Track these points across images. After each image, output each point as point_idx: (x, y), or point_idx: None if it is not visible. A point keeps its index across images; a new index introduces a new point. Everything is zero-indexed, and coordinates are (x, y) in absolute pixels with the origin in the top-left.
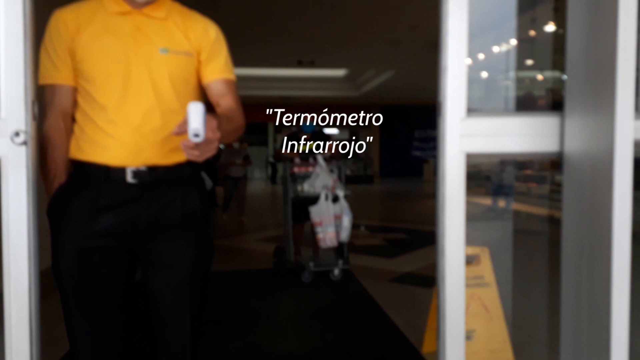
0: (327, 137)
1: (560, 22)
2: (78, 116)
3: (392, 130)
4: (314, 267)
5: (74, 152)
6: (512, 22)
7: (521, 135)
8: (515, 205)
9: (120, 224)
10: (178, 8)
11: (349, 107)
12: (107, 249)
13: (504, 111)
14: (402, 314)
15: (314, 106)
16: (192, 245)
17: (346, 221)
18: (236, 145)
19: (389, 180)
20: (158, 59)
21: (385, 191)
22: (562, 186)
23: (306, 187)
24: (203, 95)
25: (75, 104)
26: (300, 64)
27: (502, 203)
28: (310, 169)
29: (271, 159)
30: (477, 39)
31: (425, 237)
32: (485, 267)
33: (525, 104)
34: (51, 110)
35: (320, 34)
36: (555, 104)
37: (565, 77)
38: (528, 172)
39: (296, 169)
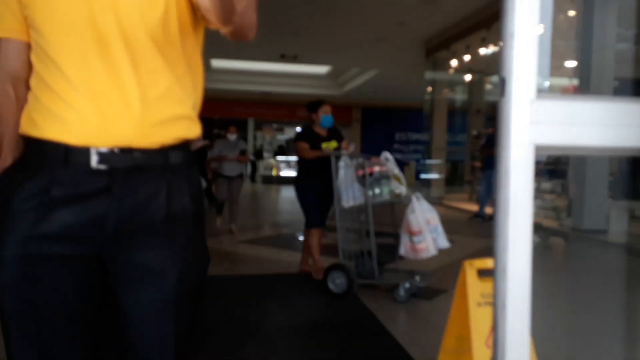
0: (341, 134)
1: None
2: (33, 81)
3: (373, 131)
4: (420, 281)
5: (25, 127)
6: None
7: (613, 126)
8: None
9: (81, 224)
10: None
11: (331, 106)
12: (63, 258)
13: (586, 94)
14: (405, 330)
15: (296, 104)
16: (179, 256)
17: (439, 224)
18: (232, 136)
19: None
20: None
21: None
22: None
23: (398, 190)
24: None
25: (29, 65)
26: (283, 58)
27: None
28: (383, 168)
29: (252, 157)
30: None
31: None
32: None
33: None
34: None
35: (306, 27)
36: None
37: None
38: None
39: (377, 169)
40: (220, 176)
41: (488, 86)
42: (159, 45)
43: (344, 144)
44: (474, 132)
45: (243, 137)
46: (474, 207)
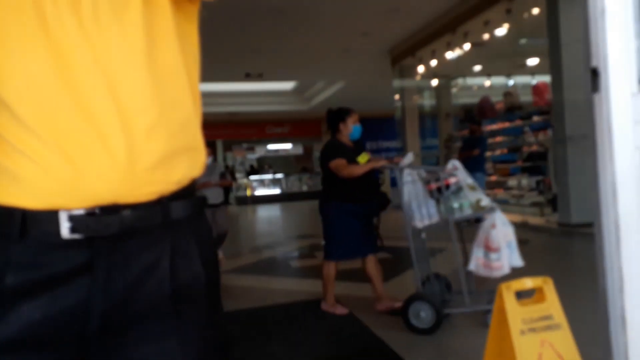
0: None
1: None
2: None
3: None
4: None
5: None
6: None
7: None
8: None
9: (51, 321)
10: None
11: (299, 122)
12: None
13: None
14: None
15: (264, 121)
16: (193, 348)
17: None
18: (208, 159)
19: None
20: None
21: None
22: None
23: (484, 202)
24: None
25: None
26: (248, 77)
27: None
28: (456, 179)
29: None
30: None
31: (408, 254)
32: (552, 304)
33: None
34: None
35: (269, 44)
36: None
37: None
38: None
39: (453, 180)
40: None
41: (454, 90)
42: (145, 59)
43: (396, 157)
44: (445, 136)
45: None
46: None
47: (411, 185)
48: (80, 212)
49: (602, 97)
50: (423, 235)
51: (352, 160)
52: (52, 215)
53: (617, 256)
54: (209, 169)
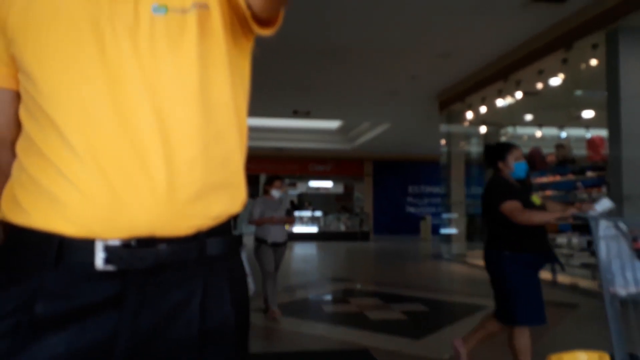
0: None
1: None
2: (20, 145)
3: (386, 184)
4: None
5: (6, 209)
6: None
7: None
8: None
9: (79, 353)
10: None
11: (342, 160)
12: None
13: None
14: None
15: (307, 158)
16: None
17: None
18: (276, 193)
19: (384, 238)
20: (152, 23)
21: (385, 250)
22: None
23: None
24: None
25: (16, 122)
26: (296, 114)
27: None
28: None
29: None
30: None
31: (447, 309)
32: None
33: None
34: None
35: (318, 83)
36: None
37: None
38: None
39: None
40: (264, 244)
41: (503, 138)
42: (193, 89)
43: (585, 203)
44: None
45: (254, 193)
46: None
47: (611, 241)
48: (116, 242)
49: None
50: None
51: (526, 202)
52: (88, 245)
53: None
54: (277, 204)
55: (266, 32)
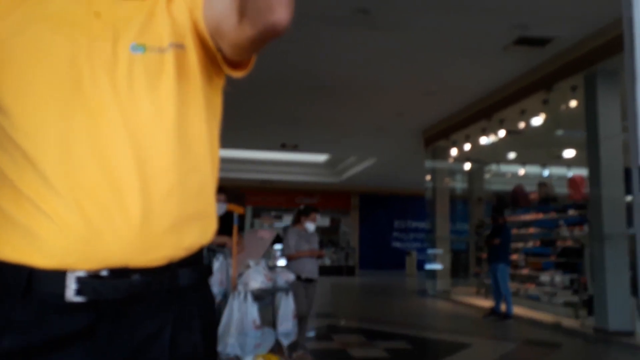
0: None
1: None
2: None
3: (372, 218)
4: None
5: None
6: None
7: None
8: None
9: None
10: None
11: (329, 194)
12: None
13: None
14: None
15: (294, 191)
16: None
17: None
18: (311, 226)
19: (370, 272)
20: (130, 62)
21: (370, 285)
22: None
23: None
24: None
25: None
26: (283, 147)
27: None
28: None
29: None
30: None
31: (431, 347)
32: None
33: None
34: None
35: (307, 117)
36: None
37: None
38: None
39: None
40: (298, 279)
41: (487, 175)
42: (167, 124)
43: None
44: (476, 222)
45: (240, 225)
46: (484, 303)
47: None
48: (89, 273)
49: None
50: None
51: None
52: (59, 276)
53: None
54: (309, 236)
55: (237, 75)
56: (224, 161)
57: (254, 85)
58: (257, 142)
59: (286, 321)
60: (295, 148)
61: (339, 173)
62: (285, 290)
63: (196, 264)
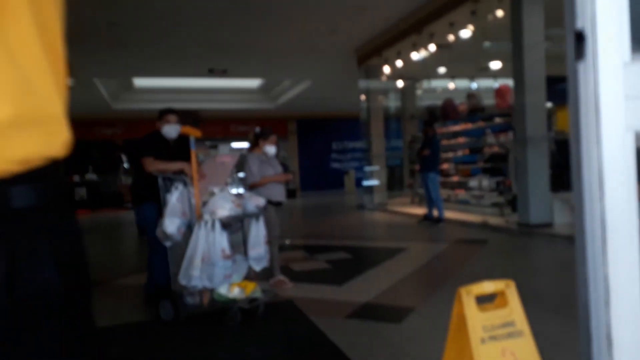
0: None
1: None
2: None
3: (310, 142)
4: None
5: None
6: None
7: None
8: None
9: None
10: None
11: (265, 120)
12: None
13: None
14: None
15: (229, 119)
16: None
17: None
18: (271, 149)
19: (311, 194)
20: None
21: (311, 205)
22: None
23: None
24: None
25: None
26: (211, 72)
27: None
28: None
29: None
30: None
31: (369, 255)
32: (515, 309)
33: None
34: None
35: (233, 40)
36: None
37: None
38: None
39: None
40: (269, 203)
41: (419, 91)
42: None
43: None
44: (409, 137)
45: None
46: (418, 211)
47: None
48: None
49: (589, 65)
50: None
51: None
52: None
53: (603, 261)
54: (273, 160)
55: None
56: (149, 91)
57: (171, 8)
58: (182, 69)
59: (258, 246)
60: (224, 73)
61: (274, 98)
62: (256, 216)
63: (39, 181)
